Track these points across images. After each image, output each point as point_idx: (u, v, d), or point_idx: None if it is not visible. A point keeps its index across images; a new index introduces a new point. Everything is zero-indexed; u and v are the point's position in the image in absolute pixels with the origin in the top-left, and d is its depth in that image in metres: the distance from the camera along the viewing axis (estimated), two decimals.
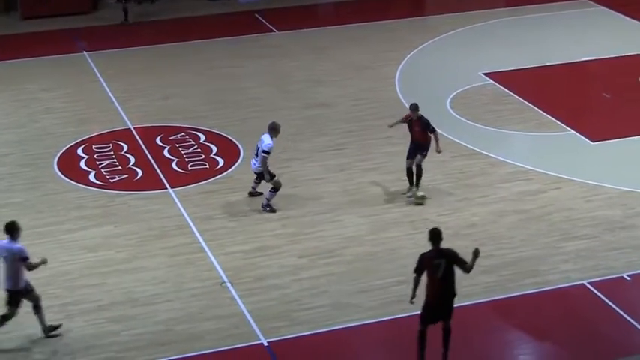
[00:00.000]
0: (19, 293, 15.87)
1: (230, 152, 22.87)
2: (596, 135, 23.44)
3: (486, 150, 22.76)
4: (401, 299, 17.03)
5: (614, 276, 17.79)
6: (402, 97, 25.84)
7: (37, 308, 16.12)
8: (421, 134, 20.71)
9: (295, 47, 30.30)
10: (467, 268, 15.18)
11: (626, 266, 18.05)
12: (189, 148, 23.19)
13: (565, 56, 28.72)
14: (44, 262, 16.06)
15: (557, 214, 19.92)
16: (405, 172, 20.86)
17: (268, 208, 20.24)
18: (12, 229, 15.84)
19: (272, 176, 20.09)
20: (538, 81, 27.34)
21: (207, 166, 22.33)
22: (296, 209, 20.29)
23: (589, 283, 17.56)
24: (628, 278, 17.75)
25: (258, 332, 16.34)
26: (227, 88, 26.76)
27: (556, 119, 24.29)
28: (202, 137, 23.76)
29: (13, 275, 15.77)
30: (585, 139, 23.33)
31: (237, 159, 22.56)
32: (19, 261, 15.68)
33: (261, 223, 19.81)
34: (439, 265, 14.98)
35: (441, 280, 15.01)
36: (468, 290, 17.28)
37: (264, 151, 19.69)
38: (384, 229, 19.49)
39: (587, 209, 20.11)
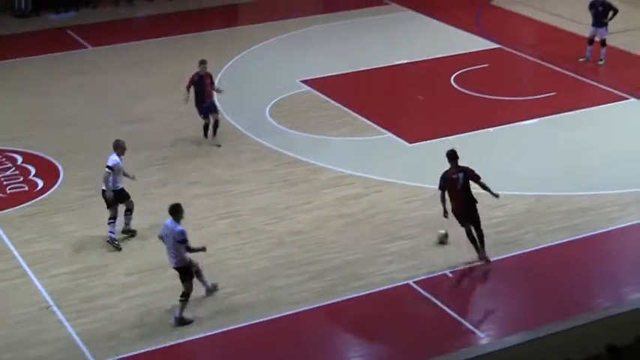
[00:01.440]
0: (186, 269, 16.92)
1: (49, 173, 22.43)
2: (412, 137, 24.02)
3: (307, 157, 23.04)
4: (233, 310, 17.12)
5: (436, 274, 18.28)
6: (221, 108, 25.85)
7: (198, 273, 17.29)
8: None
9: (110, 62, 29.94)
10: (481, 183, 18.37)
11: (448, 263, 18.57)
12: (6, 171, 22.63)
13: (379, 60, 29.33)
14: (204, 249, 17.28)
15: (379, 217, 20.33)
16: None
17: (129, 234, 19.77)
18: (175, 211, 16.95)
19: (125, 198, 19.57)
20: (354, 86, 27.84)
21: (27, 188, 21.84)
22: (120, 226, 20.06)
23: (414, 282, 18.00)
24: (450, 275, 18.27)
25: (88, 354, 16.10)
26: (42, 107, 26.25)
27: (373, 123, 24.78)
28: (19, 159, 23.21)
29: (176, 253, 16.78)
30: (402, 141, 23.87)
31: (57, 179, 22.15)
32: (178, 242, 16.71)
33: (86, 243, 19.52)
34: (457, 179, 18.12)
35: (461, 192, 18.07)
36: (298, 297, 17.49)
37: (107, 167, 19.19)
38: (211, 242, 19.46)
39: (407, 210, 20.59)
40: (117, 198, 19.44)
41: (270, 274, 18.32)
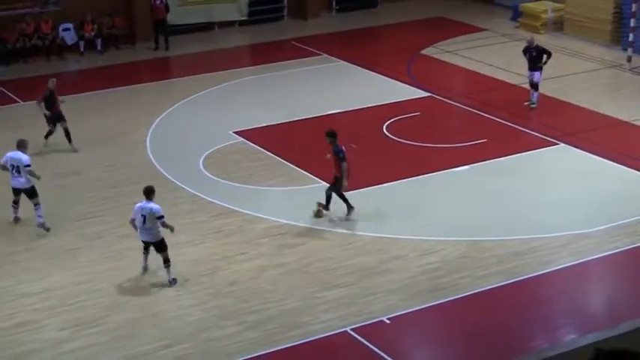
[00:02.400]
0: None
1: None
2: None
3: (242, 207, 23.03)
4: None
5: (374, 320, 18.30)
6: (154, 161, 25.81)
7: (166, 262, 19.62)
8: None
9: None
10: None
11: (385, 309, 18.60)
12: None
13: (313, 110, 29.49)
14: (172, 229, 19.67)
15: (315, 265, 20.35)
16: None
17: (43, 227, 21.77)
18: (148, 192, 19.56)
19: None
20: (288, 136, 27.94)
21: None
22: (55, 281, 19.85)
23: (351, 329, 17.99)
24: (387, 321, 18.29)
25: None
26: None
27: (307, 172, 24.85)
28: None
29: (153, 230, 19.42)
30: None
31: None
32: (157, 218, 19.28)
33: (19, 298, 19.27)
34: None
35: None
36: (235, 348, 17.39)
37: (27, 165, 21.60)
38: (146, 293, 19.33)
39: (344, 257, 20.64)
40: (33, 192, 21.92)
41: (207, 326, 18.21)
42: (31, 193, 21.84)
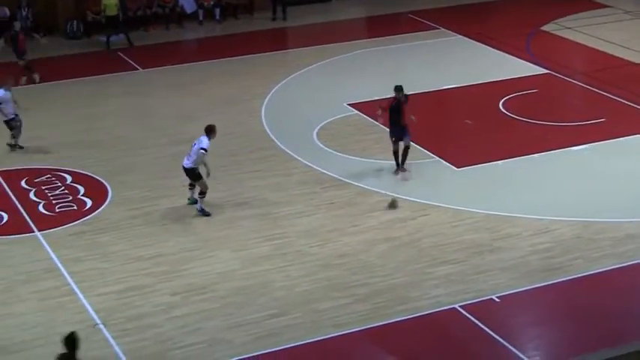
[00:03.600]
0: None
1: (98, 192, 22.60)
2: (460, 161, 23.92)
3: (355, 180, 23.02)
4: (274, 333, 17.09)
5: (483, 298, 18.14)
6: (268, 131, 25.97)
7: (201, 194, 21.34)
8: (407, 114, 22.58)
9: (161, 84, 30.20)
10: None
11: (495, 288, 18.42)
12: (55, 190, 22.84)
13: (428, 85, 29.28)
14: (208, 171, 21.09)
15: (426, 240, 20.25)
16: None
17: (202, 212, 21.42)
18: (209, 130, 21.21)
19: (199, 176, 21.37)
20: None
21: (75, 207, 22.02)
22: (168, 246, 20.16)
23: (460, 306, 17.87)
24: (497, 300, 18.12)
25: None
26: (92, 128, 26.46)
27: (421, 147, 24.70)
28: (69, 178, 23.43)
29: (194, 159, 21.02)
30: (450, 165, 23.79)
31: (106, 199, 22.31)
32: (201, 149, 20.86)
33: (132, 262, 19.62)
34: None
35: None
36: (343, 320, 17.43)
37: (202, 149, 21.04)
38: (255, 264, 19.50)
39: (455, 234, 20.49)
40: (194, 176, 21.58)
41: (315, 297, 18.28)
42: (192, 176, 21.51)
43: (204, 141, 21.14)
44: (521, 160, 23.98)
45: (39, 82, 30.19)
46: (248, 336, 17.03)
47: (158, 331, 17.23)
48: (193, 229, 20.90)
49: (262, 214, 21.50)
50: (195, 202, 21.69)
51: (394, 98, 23.00)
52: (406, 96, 23.27)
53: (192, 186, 21.81)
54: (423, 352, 16.77)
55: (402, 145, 23.10)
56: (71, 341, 14.12)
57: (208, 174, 21.20)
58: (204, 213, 21.40)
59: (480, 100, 28.27)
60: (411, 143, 23.37)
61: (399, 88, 23.03)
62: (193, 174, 21.38)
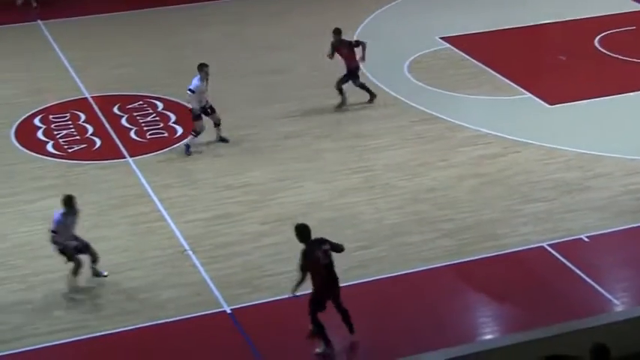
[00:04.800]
0: None
1: (188, 120, 22.73)
2: (553, 98, 23.58)
3: (444, 114, 22.85)
4: (362, 265, 17.16)
5: (572, 238, 17.96)
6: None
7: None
8: (350, 56, 22.81)
9: (252, 13, 30.18)
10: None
11: (584, 228, 18.22)
12: (147, 117, 23.08)
13: (522, 19, 28.82)
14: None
15: (515, 178, 20.06)
16: None
17: (188, 151, 21.19)
18: (199, 69, 20.67)
19: (197, 117, 21.11)
20: (495, 45, 27.44)
21: (166, 134, 22.24)
22: (256, 176, 20.29)
23: (548, 245, 17.72)
24: (586, 240, 17.93)
25: (221, 300, 16.36)
26: (183, 56, 26.58)
27: (513, 83, 24.40)
28: (160, 105, 23.66)
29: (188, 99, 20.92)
30: (542, 102, 23.46)
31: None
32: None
33: (221, 190, 19.79)
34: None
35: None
36: (429, 254, 17.42)
37: (189, 89, 20.83)
38: (343, 195, 19.54)
39: (545, 172, 20.26)
40: (198, 116, 21.20)
41: (403, 230, 18.28)
42: (192, 116, 21.39)
43: (193, 81, 20.94)
44: (616, 99, 23.54)
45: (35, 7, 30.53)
46: (336, 267, 17.07)
47: (246, 259, 17.41)
48: (281, 159, 20.98)
49: (350, 146, 21.48)
50: (223, 140, 21.68)
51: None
52: (350, 42, 23.36)
53: (216, 126, 21.63)
54: (509, 289, 16.68)
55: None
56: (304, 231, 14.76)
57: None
58: (187, 151, 21.18)
59: (575, 37, 27.77)
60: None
61: (335, 31, 23.25)
62: (191, 114, 21.24)
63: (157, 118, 22.99)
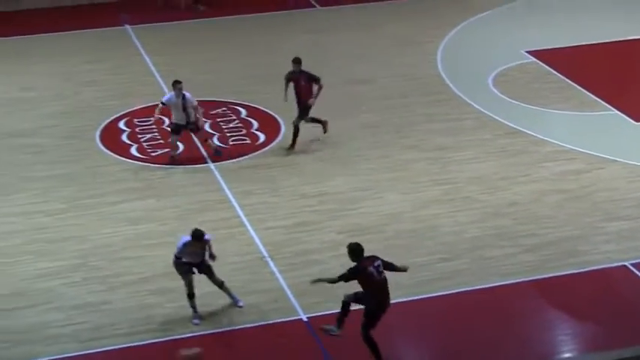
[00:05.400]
0: None
1: (271, 127, 22.88)
2: (639, 115, 23.23)
3: (528, 128, 22.62)
4: (441, 277, 17.06)
5: None
6: (443, 75, 25.73)
7: None
8: (307, 89, 21.41)
9: (337, 23, 30.21)
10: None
11: None
12: (230, 123, 23.23)
13: (608, 35, 28.42)
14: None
15: (599, 194, 19.78)
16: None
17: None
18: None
19: (172, 131, 21.31)
20: (581, 59, 27.10)
21: (249, 141, 22.36)
22: (337, 185, 20.29)
23: (631, 264, 17.44)
24: None
25: (298, 307, 16.39)
26: (268, 63, 26.68)
27: (599, 98, 24.08)
28: (243, 112, 23.79)
29: None
30: (629, 118, 23.11)
31: (279, 134, 22.57)
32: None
33: (301, 199, 19.83)
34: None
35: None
36: (510, 269, 17.26)
37: (160, 101, 21.29)
38: (424, 207, 19.44)
39: (630, 190, 19.95)
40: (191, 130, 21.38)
41: (483, 244, 18.13)
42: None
43: (166, 95, 21.39)
44: None
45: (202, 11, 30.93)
46: (416, 278, 16.99)
47: (324, 268, 17.38)
48: (362, 169, 20.95)
49: (432, 158, 21.38)
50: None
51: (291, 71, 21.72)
52: (309, 76, 21.50)
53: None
54: (590, 307, 16.45)
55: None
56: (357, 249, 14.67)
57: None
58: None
59: None
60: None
61: (295, 60, 21.60)
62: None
63: (240, 125, 23.13)
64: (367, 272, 14.56)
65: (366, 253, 14.64)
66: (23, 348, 15.62)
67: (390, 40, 28.48)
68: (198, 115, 21.20)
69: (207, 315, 16.23)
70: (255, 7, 31.59)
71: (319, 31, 29.51)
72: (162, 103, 21.22)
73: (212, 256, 16.19)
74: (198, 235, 15.81)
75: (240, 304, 16.45)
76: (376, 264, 14.69)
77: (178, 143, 21.38)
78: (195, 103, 21.17)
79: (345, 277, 14.68)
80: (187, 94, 21.03)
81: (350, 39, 28.75)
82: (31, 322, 16.21)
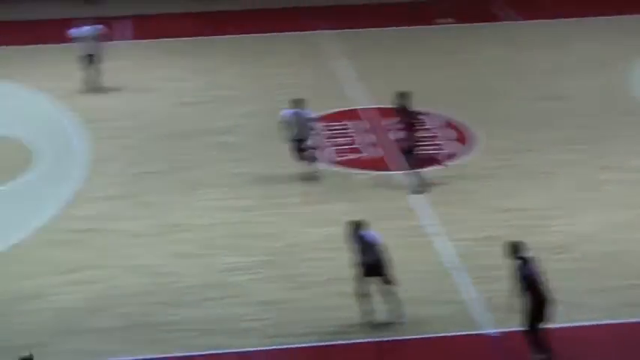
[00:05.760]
0: None
1: (467, 139, 22.65)
2: None
3: None
4: (633, 303, 16.43)
5: None
6: None
7: None
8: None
9: (535, 37, 29.77)
10: None
11: None
12: (424, 132, 23.07)
13: None
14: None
15: None
16: None
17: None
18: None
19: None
20: None
21: (443, 151, 22.18)
22: (529, 201, 19.92)
23: None
24: None
25: (486, 321, 16.09)
26: (463, 75, 26.50)
27: None
28: (440, 123, 23.62)
29: None
30: None
31: (473, 146, 22.35)
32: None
33: (491, 212, 19.55)
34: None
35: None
36: None
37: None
38: (615, 231, 18.81)
39: None
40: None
41: None
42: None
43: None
44: None
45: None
46: (608, 302, 16.49)
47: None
48: (558, 186, 20.51)
49: (629, 180, 20.73)
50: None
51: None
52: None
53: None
54: None
55: None
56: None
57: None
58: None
59: None
60: None
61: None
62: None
63: (436, 135, 22.98)
64: (533, 271, 14.43)
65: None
66: (208, 338, 15.87)
67: (587, 57, 27.92)
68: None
69: (385, 323, 16.07)
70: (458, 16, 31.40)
71: (516, 44, 29.12)
72: None
73: None
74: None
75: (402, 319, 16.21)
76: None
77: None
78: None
79: (523, 287, 14.48)
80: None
81: (546, 54, 28.27)
82: (218, 313, 16.46)
